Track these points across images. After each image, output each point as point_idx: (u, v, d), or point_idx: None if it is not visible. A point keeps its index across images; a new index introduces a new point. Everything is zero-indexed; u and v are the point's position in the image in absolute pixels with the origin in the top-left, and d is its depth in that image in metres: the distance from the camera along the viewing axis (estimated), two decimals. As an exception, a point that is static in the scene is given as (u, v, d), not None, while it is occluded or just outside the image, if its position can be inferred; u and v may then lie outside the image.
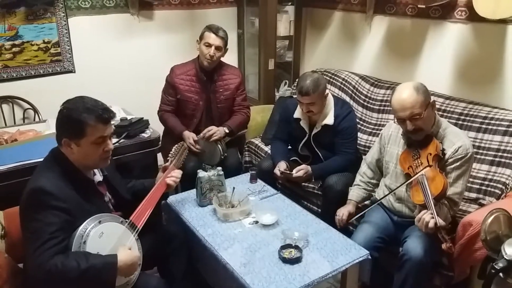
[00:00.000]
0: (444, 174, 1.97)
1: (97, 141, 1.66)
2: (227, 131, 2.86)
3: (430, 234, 1.89)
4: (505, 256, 1.49)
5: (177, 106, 2.94)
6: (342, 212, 2.30)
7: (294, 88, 3.47)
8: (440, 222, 1.82)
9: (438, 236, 1.84)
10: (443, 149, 2.00)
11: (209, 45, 2.77)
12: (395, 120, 2.06)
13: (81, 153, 1.66)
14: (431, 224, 1.81)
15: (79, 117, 1.62)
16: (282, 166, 2.61)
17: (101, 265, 1.53)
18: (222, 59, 2.92)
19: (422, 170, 1.96)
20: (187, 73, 2.89)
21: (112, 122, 1.73)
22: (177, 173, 2.05)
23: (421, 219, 1.86)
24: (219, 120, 2.95)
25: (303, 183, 2.71)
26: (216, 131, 2.80)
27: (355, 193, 2.38)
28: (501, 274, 1.50)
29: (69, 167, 1.67)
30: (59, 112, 1.68)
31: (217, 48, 2.79)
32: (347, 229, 2.33)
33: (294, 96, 3.06)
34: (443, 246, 1.82)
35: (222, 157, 2.82)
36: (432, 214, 1.83)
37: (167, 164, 2.09)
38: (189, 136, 2.82)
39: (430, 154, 1.98)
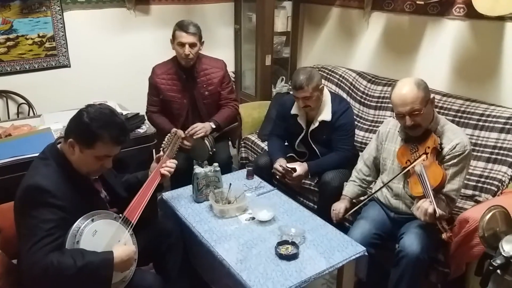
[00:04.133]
0: (442, 167, 1.96)
1: (101, 157, 1.65)
2: (213, 126, 2.79)
3: (429, 228, 1.88)
4: (503, 253, 1.49)
5: (162, 106, 2.86)
6: (340, 207, 2.31)
7: (291, 84, 3.45)
8: (440, 211, 1.81)
9: (438, 227, 1.84)
10: (441, 143, 2.00)
11: (182, 44, 2.68)
12: (394, 115, 2.05)
13: (80, 159, 1.64)
14: (430, 210, 1.80)
15: (96, 130, 1.59)
16: (283, 162, 2.60)
17: (98, 261, 1.52)
18: (203, 52, 2.84)
19: (419, 158, 1.96)
20: (168, 72, 2.80)
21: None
22: (172, 163, 2.02)
23: (420, 207, 1.85)
24: (207, 117, 2.87)
25: (300, 180, 2.71)
26: (201, 127, 2.73)
27: (350, 189, 2.38)
28: (498, 271, 1.50)
29: (65, 164, 1.65)
30: (80, 112, 1.64)
31: (191, 45, 2.68)
32: (343, 225, 2.34)
33: (291, 92, 3.04)
34: (443, 235, 1.81)
35: (211, 153, 2.75)
36: (431, 202, 1.82)
37: (160, 154, 2.06)
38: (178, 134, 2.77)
39: (429, 147, 1.98)
